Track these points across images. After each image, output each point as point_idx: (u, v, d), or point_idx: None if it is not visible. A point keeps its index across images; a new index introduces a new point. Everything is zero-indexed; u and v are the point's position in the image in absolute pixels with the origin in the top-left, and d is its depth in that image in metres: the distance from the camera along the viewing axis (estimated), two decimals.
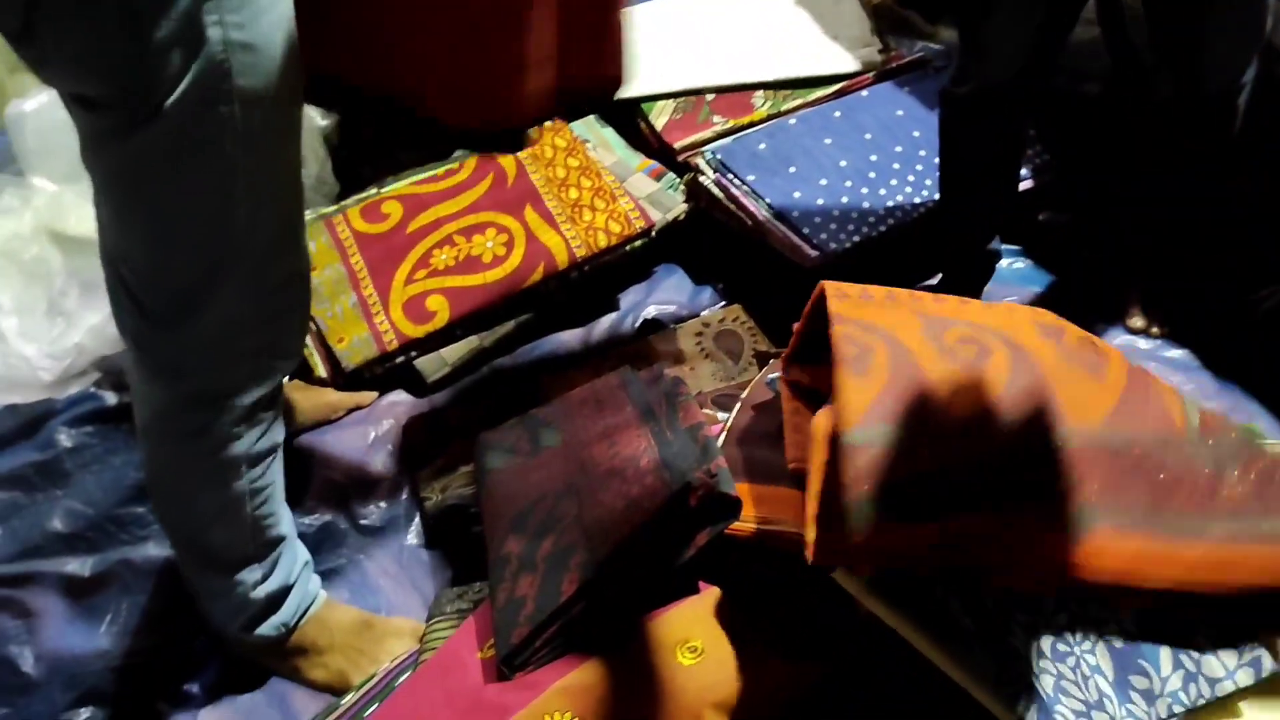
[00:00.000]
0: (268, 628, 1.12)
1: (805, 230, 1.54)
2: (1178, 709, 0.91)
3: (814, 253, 1.52)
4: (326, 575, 1.23)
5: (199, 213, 0.87)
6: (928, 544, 0.91)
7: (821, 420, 0.94)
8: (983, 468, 0.93)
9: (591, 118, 1.80)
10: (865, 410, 0.92)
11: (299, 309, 1.01)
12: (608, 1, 1.14)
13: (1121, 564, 0.92)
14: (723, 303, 1.61)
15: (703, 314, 1.59)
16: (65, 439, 1.41)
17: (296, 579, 1.13)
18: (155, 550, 1.28)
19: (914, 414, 0.93)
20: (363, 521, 1.31)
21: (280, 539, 1.09)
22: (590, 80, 1.18)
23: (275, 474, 1.07)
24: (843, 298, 1.04)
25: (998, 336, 1.01)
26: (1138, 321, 1.54)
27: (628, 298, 1.63)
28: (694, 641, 1.00)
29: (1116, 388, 1.00)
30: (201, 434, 0.99)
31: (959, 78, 1.38)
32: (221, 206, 0.87)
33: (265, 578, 1.09)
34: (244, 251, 0.90)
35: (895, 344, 0.97)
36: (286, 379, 1.13)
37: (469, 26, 1.04)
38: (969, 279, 1.57)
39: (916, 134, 1.70)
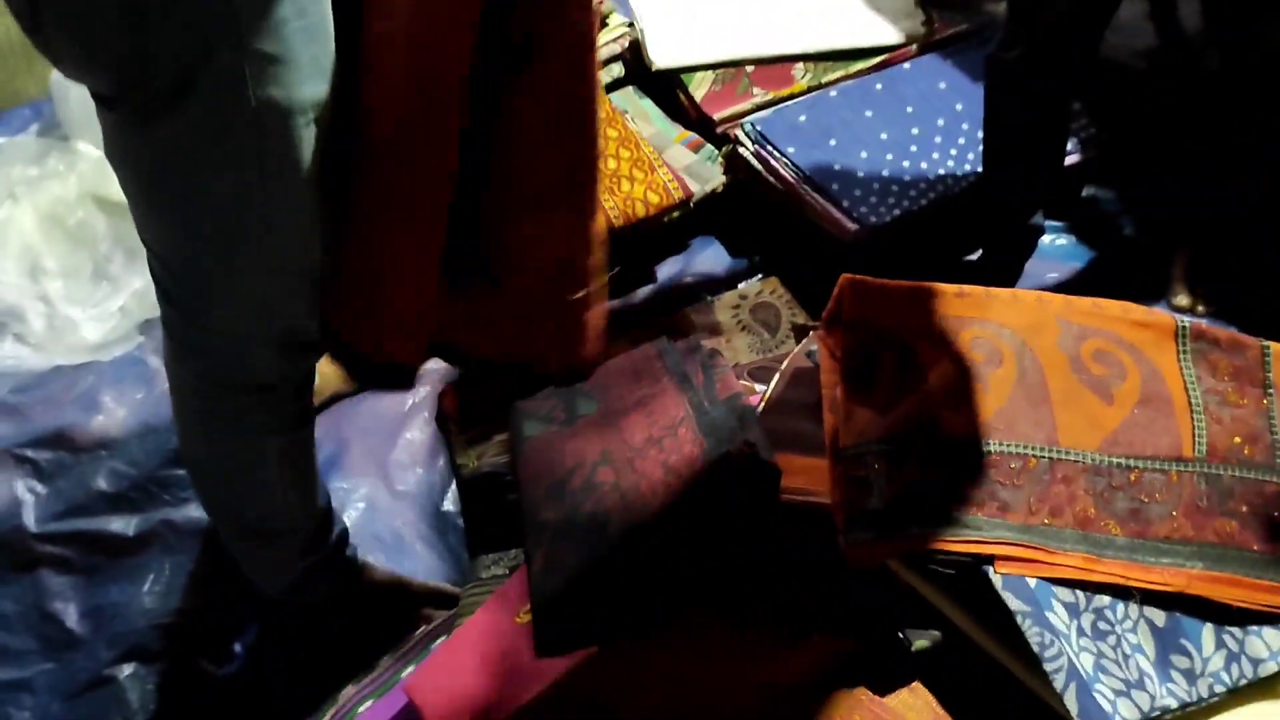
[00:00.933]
0: (308, 593, 1.13)
1: (845, 203, 1.53)
2: (1219, 689, 0.90)
3: (853, 225, 1.51)
4: (364, 540, 1.24)
5: (214, 208, 0.85)
6: (944, 549, 0.93)
7: (829, 431, 0.99)
8: (973, 479, 0.95)
9: (630, 89, 1.79)
10: (865, 424, 0.97)
11: (311, 300, 0.97)
12: None
13: (1102, 580, 0.93)
14: (760, 275, 1.60)
15: (740, 286, 1.58)
16: (110, 401, 1.43)
17: (333, 546, 1.14)
18: (197, 512, 1.30)
19: (913, 427, 0.97)
20: (399, 487, 1.32)
21: (316, 511, 1.10)
22: None
23: (308, 451, 1.07)
24: (860, 295, 1.05)
25: (1014, 341, 1.03)
26: (1183, 299, 1.53)
27: (665, 269, 1.63)
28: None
29: (1125, 406, 1.01)
30: (231, 416, 0.99)
31: (1007, 42, 1.36)
32: (238, 203, 0.85)
33: (304, 548, 1.10)
34: (261, 246, 0.88)
35: (905, 350, 1.01)
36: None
37: None
38: (1011, 254, 1.56)
39: (959, 107, 1.68)
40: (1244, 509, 0.97)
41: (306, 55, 0.79)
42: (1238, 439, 1.01)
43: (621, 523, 1.02)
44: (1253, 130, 1.42)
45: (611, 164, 1.60)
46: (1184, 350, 1.05)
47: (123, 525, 1.30)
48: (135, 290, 1.53)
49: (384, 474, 1.33)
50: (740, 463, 0.99)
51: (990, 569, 0.92)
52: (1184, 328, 1.07)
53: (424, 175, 0.92)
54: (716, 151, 1.69)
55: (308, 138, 0.83)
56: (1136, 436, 1.00)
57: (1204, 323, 1.09)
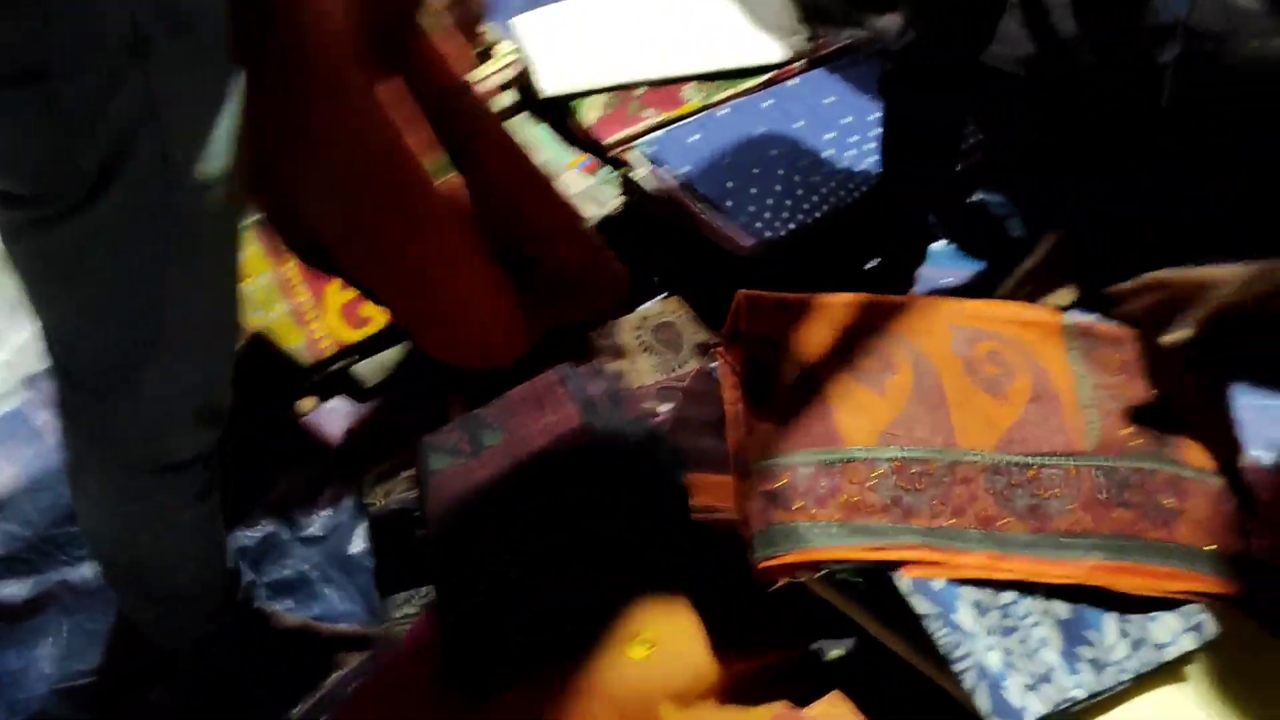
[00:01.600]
0: (214, 647, 1.10)
1: (740, 219, 1.55)
2: (1125, 677, 0.93)
3: (749, 240, 1.53)
4: (272, 588, 1.21)
5: (128, 296, 0.82)
6: (850, 559, 0.93)
7: (732, 448, 0.99)
8: (876, 487, 0.96)
9: (523, 116, 1.79)
10: (767, 439, 0.98)
11: (230, 368, 0.95)
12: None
13: (1006, 578, 0.95)
14: (662, 295, 1.61)
15: (641, 307, 1.58)
16: None
17: (241, 600, 1.11)
18: (93, 571, 1.25)
19: (814, 440, 0.98)
20: (306, 531, 1.29)
21: (224, 571, 1.07)
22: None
23: (216, 516, 1.03)
24: (756, 311, 1.06)
25: (908, 347, 1.04)
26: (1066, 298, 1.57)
27: None
28: (646, 634, 0.99)
29: (1019, 405, 1.03)
30: (139, 496, 0.95)
31: (903, 49, 1.40)
32: (152, 290, 0.82)
33: (209, 606, 1.07)
34: (175, 329, 0.85)
35: (802, 363, 1.02)
36: None
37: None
38: (907, 259, 1.59)
39: (848, 120, 1.71)
40: (1139, 498, 1.00)
41: (222, 129, 0.78)
42: (1127, 430, 1.04)
43: (530, 552, 1.01)
44: (1229, 129, 1.46)
45: None
46: (1071, 348, 1.08)
47: (16, 590, 1.25)
48: (18, 345, 1.47)
49: (288, 517, 1.30)
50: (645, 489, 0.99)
51: (897, 574, 0.93)
52: (1069, 326, 1.10)
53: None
54: (613, 174, 1.69)
55: (224, 209, 0.82)
56: (1032, 433, 1.02)
57: (1091, 319, 1.12)
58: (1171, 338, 0.99)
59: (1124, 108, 1.43)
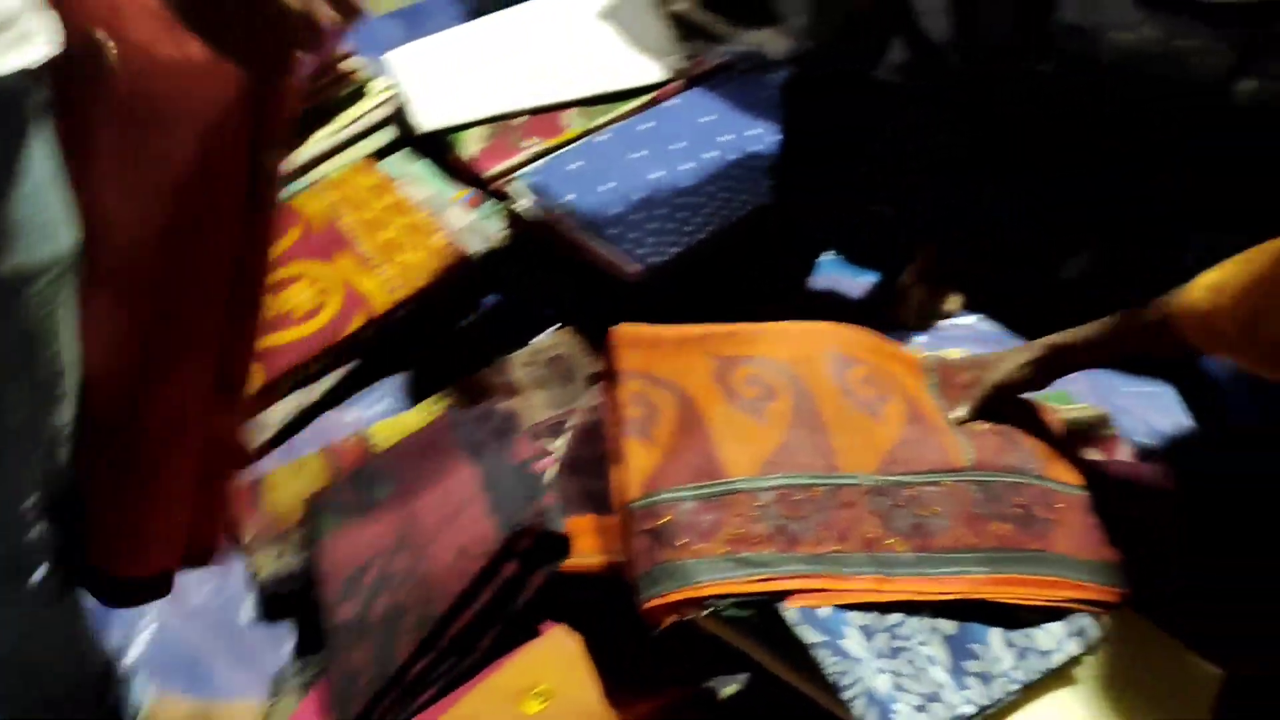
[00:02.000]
0: None
1: (625, 245, 1.54)
2: (1013, 687, 0.94)
3: (636, 267, 1.52)
4: (158, 671, 1.17)
5: None
6: (737, 592, 0.93)
7: (615, 487, 1.00)
8: (761, 517, 0.97)
9: (402, 153, 1.76)
10: (649, 476, 0.98)
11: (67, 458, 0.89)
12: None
13: (893, 599, 0.96)
14: (554, 326, 1.60)
15: (534, 341, 1.57)
16: None
17: (124, 688, 1.06)
18: None
19: (697, 474, 0.99)
20: (193, 603, 1.25)
21: (95, 666, 1.02)
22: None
23: (75, 607, 0.98)
24: (632, 346, 1.06)
25: (785, 374, 1.05)
26: (954, 303, 1.59)
27: (458, 332, 1.60)
28: (541, 686, 0.98)
29: (895, 427, 1.05)
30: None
31: (800, 57, 1.41)
32: None
33: (91, 700, 1.02)
34: (9, 430, 0.79)
35: (682, 396, 1.02)
36: None
37: None
38: (797, 272, 1.60)
39: (729, 137, 1.72)
40: (1015, 512, 1.01)
41: (46, 216, 0.73)
42: (994, 447, 1.06)
43: (418, 615, 0.99)
44: (1174, 128, 1.49)
45: (386, 233, 1.56)
46: (932, 384, 1.11)
47: None
48: None
49: (173, 592, 1.26)
50: (531, 539, 0.98)
51: (784, 605, 0.93)
52: (927, 362, 1.14)
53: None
54: (496, 207, 1.68)
55: (51, 298, 0.76)
56: (912, 453, 1.03)
57: (945, 352, 1.15)
58: (953, 415, 1.11)
59: (1010, 110, 1.46)
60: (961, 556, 0.98)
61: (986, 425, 1.09)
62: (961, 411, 1.09)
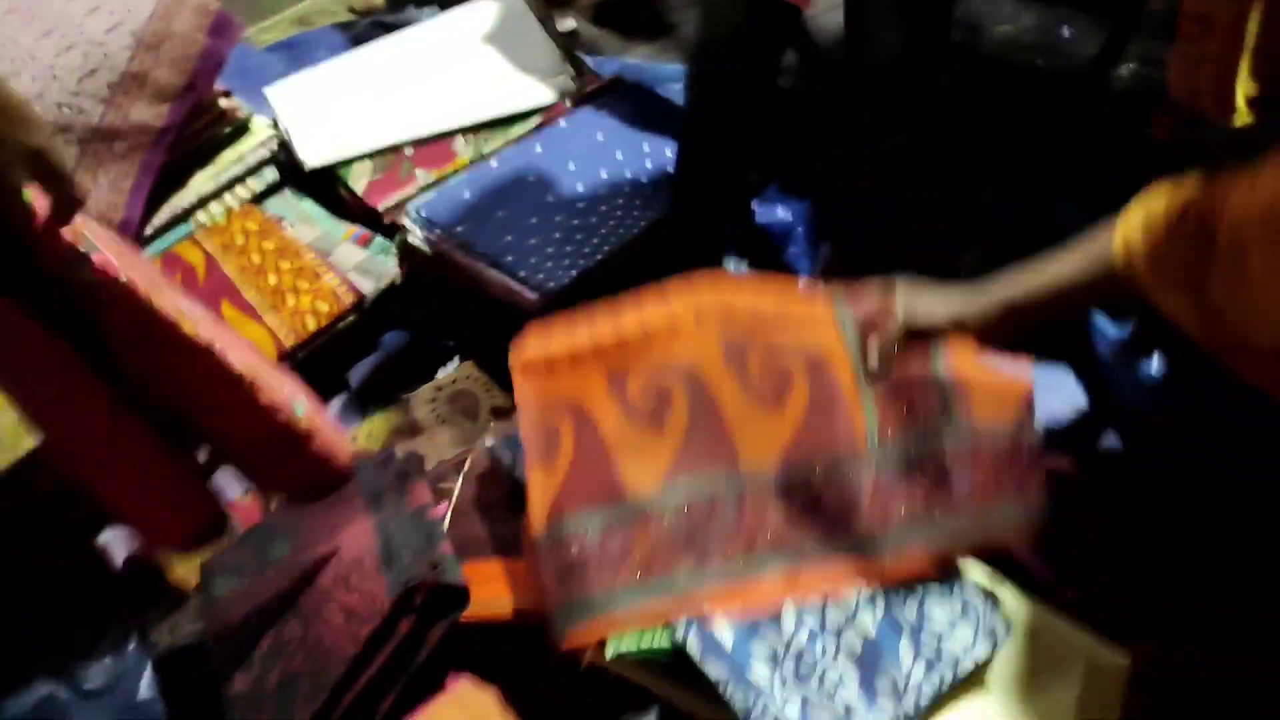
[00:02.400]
0: None
1: (521, 272, 1.51)
2: (925, 699, 0.93)
3: (533, 294, 1.49)
4: None
5: None
6: (652, 617, 0.92)
7: (526, 520, 0.98)
8: (667, 535, 0.95)
9: (286, 191, 1.71)
10: (552, 502, 0.97)
11: None
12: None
13: (810, 593, 0.96)
14: (454, 361, 1.56)
15: (436, 377, 1.53)
16: None
17: None
18: None
19: (600, 496, 0.97)
20: (86, 686, 1.19)
21: None
22: None
23: None
24: (528, 373, 1.03)
25: (680, 375, 1.02)
26: None
27: (357, 374, 1.56)
28: None
29: (797, 414, 1.02)
30: None
31: (700, 56, 1.41)
32: None
33: None
34: None
35: (579, 416, 0.99)
36: None
37: None
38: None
39: (620, 155, 1.70)
40: (928, 477, 1.00)
41: None
42: (906, 408, 1.03)
43: (311, 684, 0.95)
44: (1056, 117, 1.49)
45: (273, 279, 1.52)
46: (844, 320, 1.04)
47: None
48: None
49: (65, 672, 1.20)
50: (424, 593, 0.95)
51: (690, 638, 0.91)
52: (835, 295, 1.07)
53: None
54: (389, 242, 1.64)
55: None
56: (814, 439, 1.01)
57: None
58: (865, 376, 1.04)
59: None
60: (868, 541, 0.97)
61: (896, 378, 1.04)
62: (873, 363, 1.03)
